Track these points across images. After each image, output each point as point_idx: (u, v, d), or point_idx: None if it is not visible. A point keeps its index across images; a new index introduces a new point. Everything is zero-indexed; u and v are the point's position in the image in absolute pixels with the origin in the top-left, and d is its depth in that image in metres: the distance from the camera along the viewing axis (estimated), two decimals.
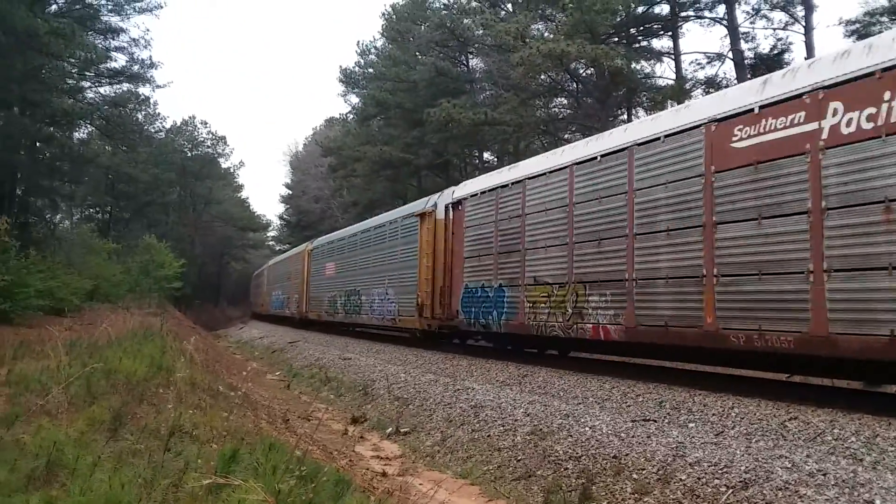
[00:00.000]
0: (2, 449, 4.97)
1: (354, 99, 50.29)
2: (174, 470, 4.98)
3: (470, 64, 39.51)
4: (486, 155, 41.47)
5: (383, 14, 42.30)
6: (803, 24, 25.89)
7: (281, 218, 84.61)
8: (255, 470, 4.63)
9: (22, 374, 8.45)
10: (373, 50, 46.79)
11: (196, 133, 69.28)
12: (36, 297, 20.36)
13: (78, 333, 14.14)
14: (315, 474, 4.73)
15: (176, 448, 5.67)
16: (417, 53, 39.49)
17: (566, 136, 32.23)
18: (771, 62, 25.88)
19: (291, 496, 4.03)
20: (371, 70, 45.48)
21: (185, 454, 5.42)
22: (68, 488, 4.11)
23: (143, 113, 49.16)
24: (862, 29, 24.66)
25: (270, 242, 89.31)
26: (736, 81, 25.34)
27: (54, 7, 30.51)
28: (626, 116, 30.61)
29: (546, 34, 28.76)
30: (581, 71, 30.33)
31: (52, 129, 30.26)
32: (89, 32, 31.74)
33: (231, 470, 4.33)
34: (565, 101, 35.12)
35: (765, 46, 28.57)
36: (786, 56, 26.97)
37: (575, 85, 31.71)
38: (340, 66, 51.93)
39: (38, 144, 29.92)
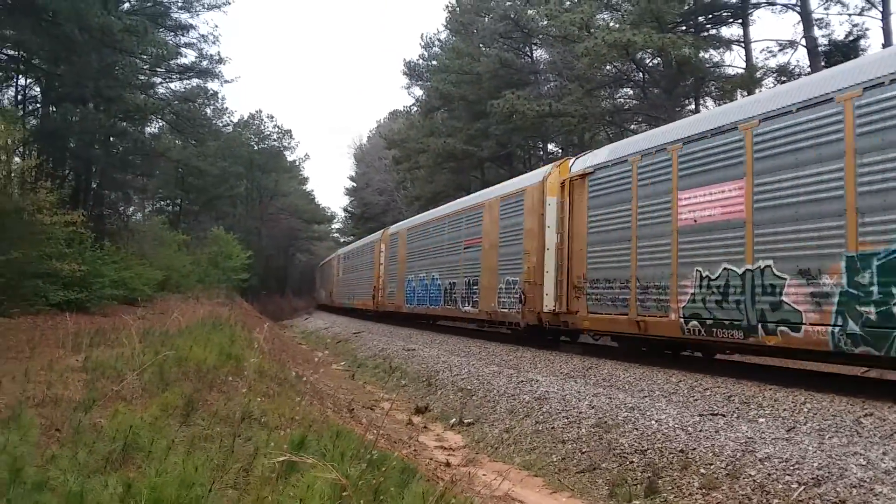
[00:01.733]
0: (80, 432, 5.14)
1: (418, 91, 50.59)
2: (245, 454, 5.09)
3: (534, 55, 39.23)
4: (550, 146, 41.17)
5: (447, 6, 42.29)
6: (880, 9, 25.00)
7: (345, 210, 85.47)
8: (322, 455, 4.69)
9: (98, 360, 8.71)
10: (436, 42, 46.92)
11: (262, 127, 70.45)
12: (110, 287, 20.97)
13: (150, 322, 14.52)
14: (383, 461, 4.77)
15: (246, 434, 5.79)
16: (481, 45, 39.35)
17: (632, 126, 31.80)
18: (846, 49, 25.08)
19: (361, 480, 4.09)
20: (435, 62, 45.57)
21: (254, 440, 5.53)
22: (144, 470, 4.23)
23: (212, 107, 50.03)
24: None
25: (335, 234, 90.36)
26: (809, 70, 24.64)
27: (127, 5, 31.28)
28: (693, 107, 30.02)
29: (611, 24, 28.32)
30: (647, 61, 29.87)
31: (125, 124, 31.00)
32: (160, 29, 32.45)
33: (300, 455, 4.39)
34: (631, 92, 34.60)
35: (840, 33, 27.75)
36: (862, 43, 26.10)
37: (641, 75, 31.20)
38: (404, 59, 52.31)
39: (111, 139, 30.63)
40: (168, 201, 55.20)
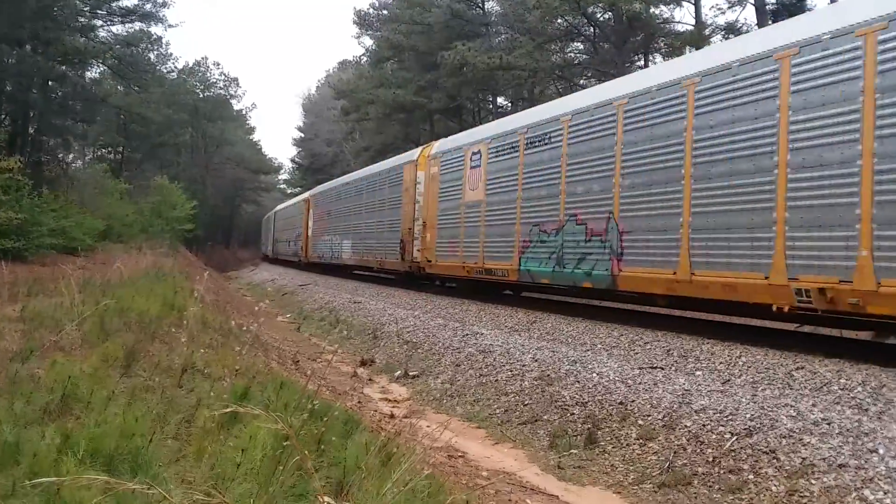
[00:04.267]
0: (17, 382, 5.05)
1: (368, 41, 49.82)
2: (187, 406, 5.07)
3: (485, 6, 38.92)
4: (500, 100, 41.09)
5: None
6: None
7: (293, 161, 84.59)
8: (266, 406, 4.70)
9: (36, 310, 8.55)
10: None
11: (208, 74, 68.80)
12: (49, 236, 20.50)
13: (91, 272, 14.27)
14: (326, 412, 4.80)
15: (188, 385, 5.77)
16: None
17: (581, 81, 31.87)
18: (793, 8, 25.34)
19: (304, 430, 4.11)
20: (386, 12, 44.93)
21: (197, 391, 5.51)
22: (83, 421, 4.19)
23: (156, 53, 48.61)
24: None
25: (282, 185, 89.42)
26: (756, 27, 24.88)
27: None
28: (643, 63, 30.18)
29: None
30: (598, 15, 29.86)
31: (64, 67, 30.01)
32: None
33: (243, 405, 4.39)
34: (581, 47, 34.63)
35: None
36: (807, 1, 26.35)
37: (592, 29, 31.19)
38: (355, 8, 51.57)
39: (50, 83, 29.69)
40: (110, 149, 53.89)
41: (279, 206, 50.99)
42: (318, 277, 28.80)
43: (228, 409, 3.46)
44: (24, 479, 3.18)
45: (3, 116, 28.40)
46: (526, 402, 8.39)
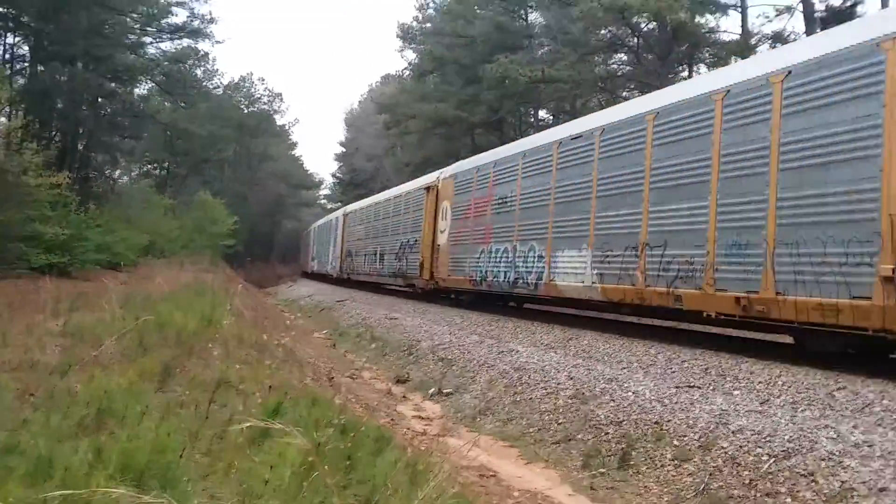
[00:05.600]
0: (55, 397, 5.14)
1: (411, 55, 50.03)
2: (219, 421, 5.12)
3: (529, 18, 38.95)
4: (541, 113, 41.04)
5: None
6: None
7: (334, 176, 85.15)
8: (297, 423, 4.72)
9: (77, 325, 8.70)
10: (431, 4, 46.41)
11: (253, 90, 69.68)
12: (94, 252, 20.91)
13: (132, 287, 14.50)
14: (355, 428, 4.81)
15: (222, 400, 5.82)
16: (476, 7, 39.05)
17: (624, 93, 31.69)
18: (843, 15, 24.84)
19: (331, 447, 4.12)
20: (429, 25, 45.20)
21: (230, 406, 5.55)
22: (116, 435, 4.25)
23: (202, 69, 49.44)
24: None
25: (322, 201, 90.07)
26: (805, 36, 24.51)
27: None
28: (686, 73, 29.91)
29: None
30: (643, 25, 29.64)
31: (113, 84, 30.68)
32: None
33: (271, 421, 4.42)
34: (625, 58, 34.45)
35: None
36: (858, 8, 25.79)
37: (636, 40, 30.96)
38: (398, 22, 51.62)
39: (99, 100, 30.36)
40: (155, 164, 54.89)
41: (316, 223, 50.67)
42: (354, 293, 28.94)
43: (249, 424, 3.48)
44: (54, 492, 3.22)
45: (53, 133, 29.05)
46: (560, 421, 8.33)
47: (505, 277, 15.19)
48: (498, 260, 15.59)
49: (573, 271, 12.58)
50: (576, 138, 13.25)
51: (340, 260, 35.01)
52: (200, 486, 3.76)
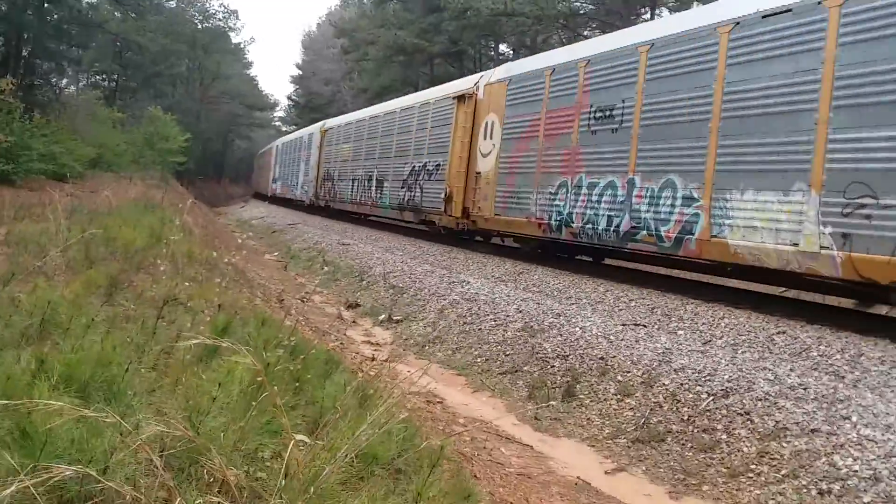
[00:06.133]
0: None
1: None
2: (167, 337, 5.05)
3: None
4: (502, 47, 40.60)
5: None
6: None
7: (289, 98, 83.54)
8: (246, 343, 4.68)
9: (21, 234, 8.47)
10: None
11: (207, 5, 67.43)
12: (38, 161, 20.25)
13: (79, 199, 14.13)
14: (304, 351, 4.79)
15: (170, 317, 5.74)
16: None
17: (586, 32, 31.48)
18: None
19: (280, 367, 4.10)
20: None
21: (178, 323, 5.48)
22: (60, 346, 4.16)
23: None
24: None
25: (277, 123, 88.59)
26: None
27: None
28: (649, 15, 29.77)
29: None
30: None
31: None
32: None
33: (220, 340, 4.37)
34: None
35: None
36: None
37: None
38: None
39: (45, 5, 29.15)
40: (104, 76, 53.19)
41: (279, 140, 46.47)
42: (307, 217, 28.69)
43: (198, 341, 3.43)
44: None
45: None
46: (507, 353, 8.43)
47: (609, 225, 10.79)
48: (595, 199, 11.15)
49: (769, 226, 8.18)
50: (779, 13, 8.42)
51: (316, 184, 29.63)
52: (146, 401, 3.71)
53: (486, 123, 14.82)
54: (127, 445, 2.84)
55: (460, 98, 16.13)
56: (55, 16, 30.51)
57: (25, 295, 5.35)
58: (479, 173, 14.92)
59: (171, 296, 6.03)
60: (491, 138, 14.55)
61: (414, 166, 18.51)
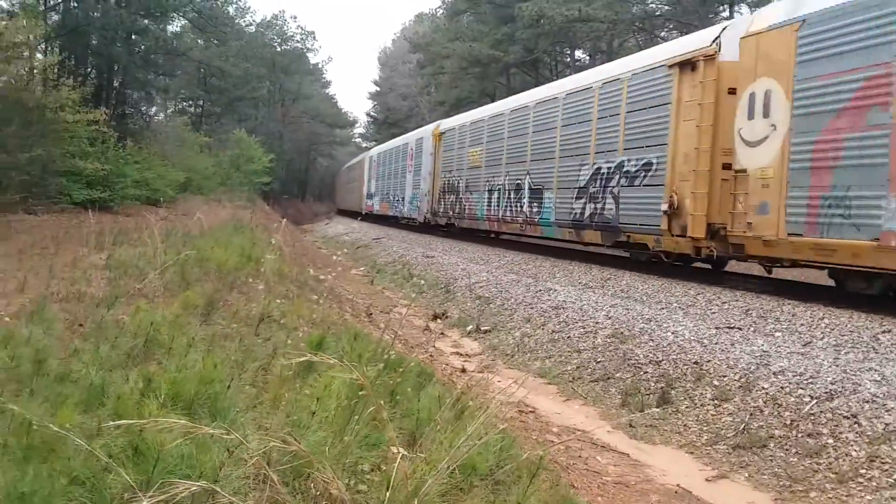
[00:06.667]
0: (103, 328, 5.23)
1: None
2: (264, 354, 5.18)
3: None
4: (577, 53, 40.33)
5: None
6: None
7: (368, 115, 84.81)
8: (340, 357, 4.76)
9: (120, 259, 8.82)
10: None
11: (285, 28, 69.19)
12: (133, 187, 21.12)
13: (172, 223, 14.65)
14: (399, 364, 4.84)
15: (265, 334, 5.88)
16: None
17: (663, 34, 31.02)
18: None
19: (378, 381, 4.15)
20: None
21: (273, 340, 5.61)
22: (165, 366, 4.31)
23: (234, 6, 49.13)
24: None
25: (357, 139, 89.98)
26: None
27: None
28: (727, 13, 29.16)
29: None
30: None
31: (146, 21, 30.54)
32: None
33: (319, 354, 4.46)
34: None
35: None
36: None
37: None
38: None
39: (133, 37, 30.28)
40: (190, 102, 54.97)
41: (373, 151, 40.96)
42: (391, 231, 28.98)
43: (304, 358, 3.50)
44: (108, 419, 3.28)
45: (89, 69, 29.07)
46: (598, 360, 8.33)
47: None
48: None
49: None
50: None
51: (432, 198, 24.58)
52: (249, 417, 3.81)
53: (751, 96, 9.88)
54: (235, 460, 2.91)
55: (684, 65, 11.24)
56: (142, 47, 31.66)
57: (129, 317, 5.57)
58: (740, 172, 10.00)
59: (266, 314, 6.18)
60: (766, 117, 9.58)
61: (599, 168, 13.50)
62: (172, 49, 33.36)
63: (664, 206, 11.28)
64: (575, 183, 14.42)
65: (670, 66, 11.53)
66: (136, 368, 4.31)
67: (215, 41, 38.90)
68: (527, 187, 16.81)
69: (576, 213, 14.36)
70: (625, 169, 12.62)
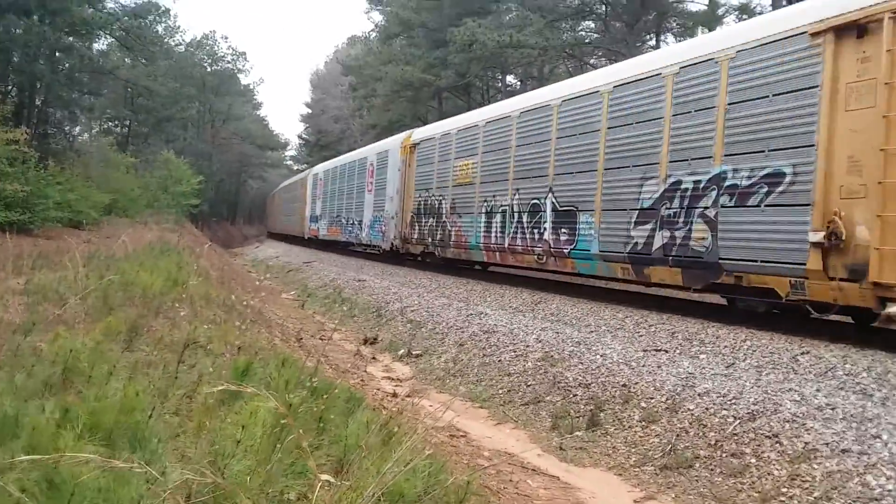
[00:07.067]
0: (19, 355, 5.04)
1: (378, 17, 49.64)
2: (188, 381, 5.06)
3: None
4: (509, 78, 40.85)
5: None
6: None
7: (300, 137, 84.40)
8: (267, 384, 4.69)
9: (40, 283, 8.52)
10: None
11: (216, 48, 68.39)
12: (54, 209, 20.43)
13: (96, 246, 14.24)
14: (327, 389, 4.78)
15: (190, 360, 5.75)
16: None
17: (592, 61, 31.69)
18: None
19: (303, 408, 4.09)
20: None
21: (199, 366, 5.49)
22: (83, 395, 4.17)
23: (163, 25, 48.23)
24: None
25: (288, 162, 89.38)
26: (771, 9, 24.57)
27: None
28: (654, 42, 29.98)
29: None
30: None
31: (71, 39, 29.86)
32: None
33: (243, 383, 4.37)
34: (593, 25, 34.44)
35: None
36: None
37: (604, 7, 31.04)
38: None
39: (57, 54, 29.60)
40: (116, 122, 53.82)
41: (320, 167, 36.44)
42: (322, 255, 28.76)
43: (222, 387, 3.43)
44: (22, 452, 3.16)
45: (9, 87, 28.32)
46: (529, 383, 8.37)
47: None
48: None
49: None
50: None
51: (402, 222, 20.46)
52: (171, 446, 3.71)
53: None
54: (154, 494, 2.83)
55: (844, 30, 7.82)
56: (67, 64, 30.94)
57: (47, 344, 5.38)
58: None
59: (191, 339, 6.05)
60: None
61: (678, 183, 10.05)
62: (98, 67, 32.71)
63: (816, 236, 7.81)
64: (633, 202, 10.79)
65: (816, 34, 8.07)
66: (53, 398, 4.16)
67: (143, 60, 38.22)
68: (549, 208, 12.97)
69: (636, 244, 10.72)
70: (728, 182, 9.19)
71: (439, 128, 19.44)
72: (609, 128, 11.47)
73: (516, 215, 14.09)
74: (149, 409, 3.87)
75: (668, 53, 11.75)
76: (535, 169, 13.52)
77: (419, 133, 20.75)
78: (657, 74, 10.59)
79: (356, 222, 25.76)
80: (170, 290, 8.93)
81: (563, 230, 12.49)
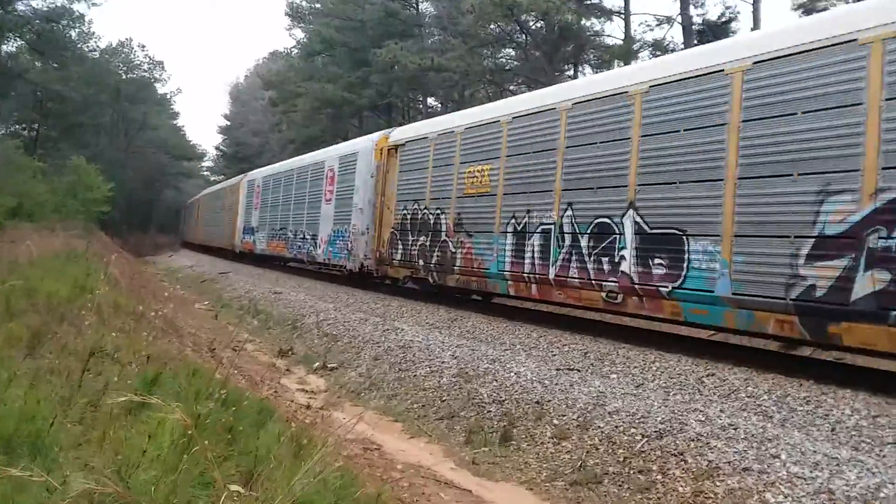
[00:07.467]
0: None
1: (300, 34, 49.26)
2: (93, 390, 4.89)
3: (420, 7, 38.98)
4: (430, 100, 41.13)
5: None
6: None
7: (217, 149, 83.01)
8: (177, 394, 4.58)
9: None
10: None
11: (132, 56, 66.97)
12: None
13: None
14: (237, 401, 4.70)
15: (96, 369, 5.56)
16: None
17: (511, 87, 32.20)
18: (718, 30, 26.06)
19: (211, 419, 4.01)
20: (319, 5, 44.37)
21: (105, 375, 5.32)
22: None
23: (77, 31, 46.95)
24: (809, 4, 24.92)
25: (205, 172, 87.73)
26: (683, 46, 25.47)
27: None
28: (572, 72, 30.67)
29: None
30: (531, 23, 30.27)
31: None
32: None
33: (152, 393, 4.26)
34: (513, 53, 35.05)
35: (713, 14, 28.66)
36: (732, 25, 27.17)
37: (524, 37, 31.62)
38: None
39: None
40: (24, 125, 51.99)
41: (258, 172, 31.58)
42: (239, 266, 28.24)
43: (125, 399, 3.34)
44: None
45: None
46: (444, 399, 8.40)
47: None
48: None
49: None
50: None
51: (377, 239, 16.77)
52: (73, 455, 3.59)
53: None
54: (54, 503, 2.73)
55: None
56: None
57: None
58: None
59: (98, 347, 5.86)
60: None
61: None
62: (6, 69, 31.61)
63: None
64: (803, 227, 7.36)
65: None
66: None
67: (54, 64, 37.07)
68: (629, 229, 9.52)
69: (810, 286, 7.25)
70: None
71: (436, 124, 15.58)
72: (745, 120, 8.03)
73: (568, 237, 10.60)
74: (50, 417, 3.74)
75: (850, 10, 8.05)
76: (603, 178, 10.05)
77: (402, 133, 17.16)
78: (850, 41, 7.13)
79: (308, 237, 21.90)
80: (77, 297, 8.63)
81: (657, 260, 9.06)
